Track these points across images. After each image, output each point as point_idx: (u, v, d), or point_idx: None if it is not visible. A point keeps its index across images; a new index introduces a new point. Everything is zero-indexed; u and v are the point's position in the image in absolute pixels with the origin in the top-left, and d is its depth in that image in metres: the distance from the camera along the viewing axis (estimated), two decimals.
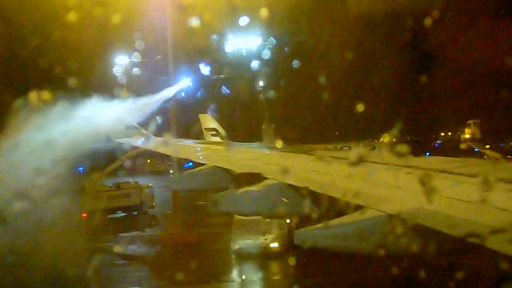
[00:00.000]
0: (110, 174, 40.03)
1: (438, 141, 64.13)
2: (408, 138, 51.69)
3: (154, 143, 20.80)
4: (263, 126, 38.19)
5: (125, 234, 33.21)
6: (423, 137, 57.50)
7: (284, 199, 7.54)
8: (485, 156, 37.88)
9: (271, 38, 38.31)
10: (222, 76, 41.80)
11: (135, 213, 38.04)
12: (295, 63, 39.80)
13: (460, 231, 4.66)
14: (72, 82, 24.34)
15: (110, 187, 38.58)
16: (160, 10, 30.58)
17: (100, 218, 35.13)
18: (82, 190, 35.30)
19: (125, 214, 38.05)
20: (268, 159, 11.14)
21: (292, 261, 24.77)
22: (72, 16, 24.57)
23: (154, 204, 39.10)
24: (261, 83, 41.41)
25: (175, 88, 37.62)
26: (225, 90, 43.69)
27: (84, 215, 34.11)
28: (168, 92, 37.15)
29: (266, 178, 8.20)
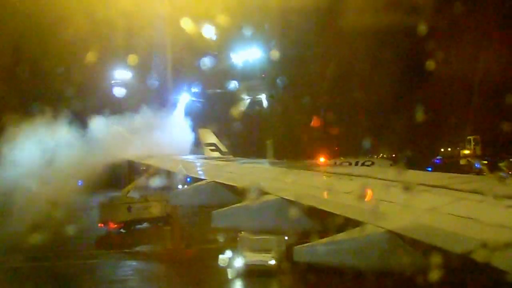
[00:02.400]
0: (135, 188, 40.92)
1: (438, 157, 64.10)
2: (408, 154, 51.72)
3: (155, 159, 20.80)
4: (267, 142, 38.44)
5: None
6: (423, 153, 57.54)
7: (282, 214, 7.47)
8: (485, 173, 37.88)
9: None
10: (219, 90, 42.01)
11: (161, 224, 38.95)
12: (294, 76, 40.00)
13: (463, 248, 4.59)
14: (76, 103, 24.67)
15: (138, 199, 39.58)
16: (160, 23, 30.80)
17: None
18: (111, 201, 37.60)
19: (150, 225, 39.23)
20: (270, 175, 11.11)
21: (290, 278, 24.53)
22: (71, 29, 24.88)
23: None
24: (259, 97, 41.58)
25: (174, 103, 37.79)
26: (222, 104, 43.89)
27: (100, 225, 35.70)
28: (167, 107, 37.33)
29: (267, 193, 8.13)
